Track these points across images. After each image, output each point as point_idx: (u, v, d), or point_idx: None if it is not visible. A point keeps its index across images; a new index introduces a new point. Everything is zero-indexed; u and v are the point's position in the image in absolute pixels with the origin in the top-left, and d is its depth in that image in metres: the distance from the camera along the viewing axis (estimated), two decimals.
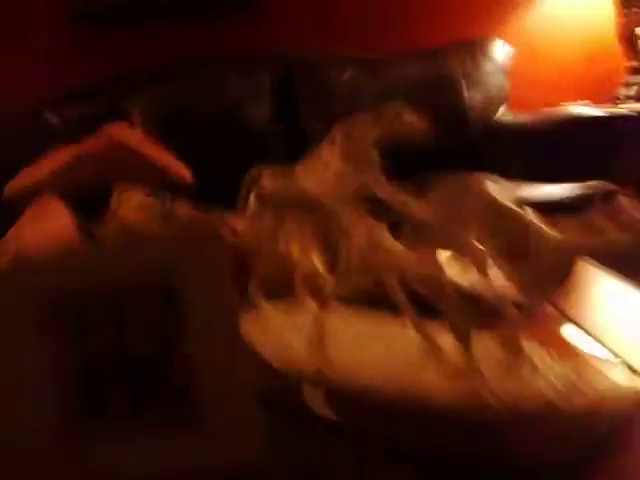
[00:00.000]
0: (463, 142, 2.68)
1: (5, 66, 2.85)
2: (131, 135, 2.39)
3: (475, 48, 2.84)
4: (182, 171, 2.33)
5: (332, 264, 0.78)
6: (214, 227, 0.74)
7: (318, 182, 0.83)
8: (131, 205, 1.23)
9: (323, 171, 0.83)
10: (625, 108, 2.58)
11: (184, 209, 1.26)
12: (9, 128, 2.66)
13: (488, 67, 2.80)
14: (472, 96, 2.73)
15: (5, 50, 2.85)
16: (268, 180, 0.85)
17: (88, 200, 2.19)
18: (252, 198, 0.88)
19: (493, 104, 2.76)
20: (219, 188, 2.57)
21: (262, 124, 2.72)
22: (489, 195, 0.73)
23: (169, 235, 0.74)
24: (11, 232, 1.93)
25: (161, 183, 2.31)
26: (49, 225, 1.94)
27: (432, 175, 0.81)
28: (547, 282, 0.76)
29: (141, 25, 2.90)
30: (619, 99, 2.74)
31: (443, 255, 0.73)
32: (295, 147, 2.72)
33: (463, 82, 2.74)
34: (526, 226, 0.72)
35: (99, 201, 2.20)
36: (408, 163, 1.81)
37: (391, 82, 2.72)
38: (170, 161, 2.33)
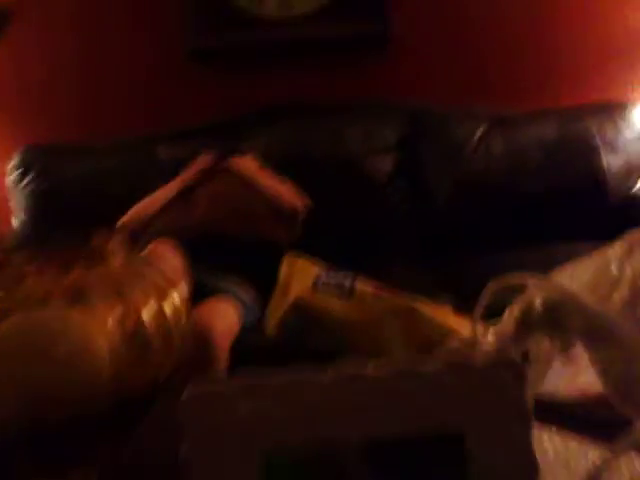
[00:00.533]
0: (601, 210, 2.48)
1: (121, 100, 2.79)
2: (246, 164, 2.29)
3: (614, 112, 2.64)
4: (295, 200, 2.24)
5: None
6: (514, 363, 0.58)
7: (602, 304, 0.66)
8: (306, 282, 1.09)
9: (609, 292, 0.66)
10: None
11: (366, 287, 1.11)
12: (123, 161, 2.58)
13: (628, 133, 2.60)
14: (611, 162, 2.53)
15: (121, 84, 2.79)
16: (538, 291, 0.68)
17: (204, 240, 2.11)
18: (514, 312, 0.71)
19: (633, 173, 2.56)
20: (333, 239, 2.45)
21: (383, 177, 2.57)
22: None
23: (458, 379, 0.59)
24: None
25: (274, 212, 2.20)
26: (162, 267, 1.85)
27: None
28: None
29: (259, 65, 2.80)
30: None
31: None
32: (415, 205, 2.57)
33: (601, 146, 2.55)
34: None
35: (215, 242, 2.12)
36: None
37: (525, 142, 2.55)
38: (283, 190, 2.22)
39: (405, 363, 0.58)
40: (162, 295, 0.52)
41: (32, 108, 2.80)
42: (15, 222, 2.59)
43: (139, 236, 2.17)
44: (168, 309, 0.52)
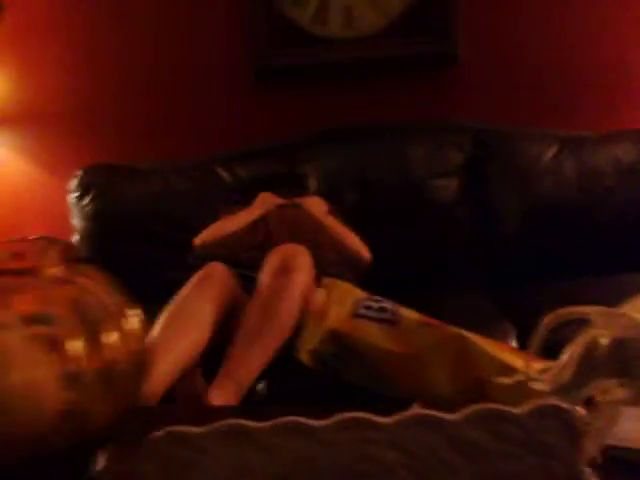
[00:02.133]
0: None
1: (184, 120, 2.77)
2: (318, 206, 2.22)
3: None
4: (362, 251, 2.13)
5: None
6: (564, 410, 0.47)
7: None
8: (344, 308, 0.99)
9: None
10: None
11: (412, 315, 1.01)
12: (184, 182, 2.56)
13: None
14: None
15: (183, 105, 2.78)
16: (604, 326, 0.57)
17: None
18: (576, 350, 0.60)
19: None
20: (393, 264, 2.35)
21: (448, 201, 2.46)
22: None
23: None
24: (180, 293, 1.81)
25: (342, 258, 2.12)
26: (213, 290, 1.80)
27: None
28: None
29: (322, 85, 2.74)
30: None
31: None
32: (481, 229, 2.45)
33: None
34: None
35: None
36: None
37: (599, 163, 2.39)
38: (352, 239, 2.14)
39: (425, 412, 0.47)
40: (117, 321, 0.44)
41: (97, 126, 2.82)
42: (74, 240, 2.60)
43: (199, 259, 2.13)
44: (125, 339, 0.44)
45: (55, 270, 0.45)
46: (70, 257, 0.47)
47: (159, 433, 0.46)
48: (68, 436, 0.41)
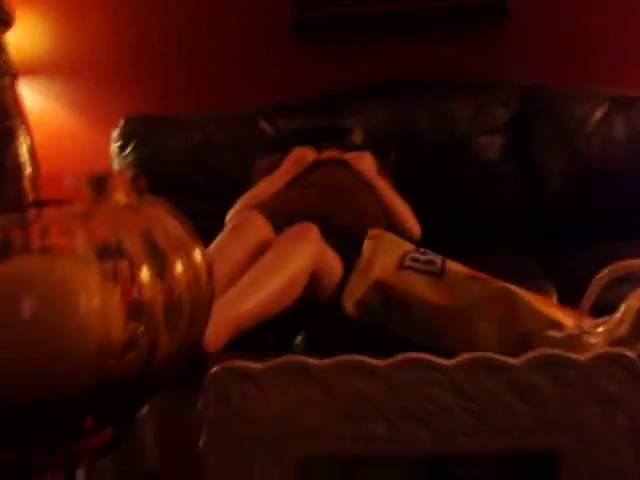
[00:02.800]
0: None
1: (225, 72, 2.76)
2: (366, 164, 2.18)
3: None
4: (413, 226, 2.10)
5: None
6: (628, 358, 0.46)
7: None
8: (391, 259, 0.98)
9: None
10: None
11: (459, 268, 0.99)
12: (225, 134, 2.55)
13: None
14: None
15: (225, 57, 2.75)
16: None
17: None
18: (633, 307, 0.59)
19: None
20: (436, 221, 2.33)
21: (492, 159, 2.41)
22: None
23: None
24: (215, 243, 1.81)
25: (387, 223, 2.08)
26: (250, 235, 1.79)
27: None
28: None
29: (365, 38, 2.70)
30: None
31: None
32: (525, 189, 2.41)
33: None
34: None
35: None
36: None
37: None
38: (404, 210, 2.09)
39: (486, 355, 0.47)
40: (182, 253, 0.43)
41: (139, 77, 2.82)
42: None
43: None
44: (189, 271, 0.43)
45: (125, 199, 0.44)
46: (140, 188, 0.47)
47: (217, 369, 0.46)
48: (133, 367, 0.42)
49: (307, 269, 1.66)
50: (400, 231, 1.97)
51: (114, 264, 0.39)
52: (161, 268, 0.41)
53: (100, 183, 0.44)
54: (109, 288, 0.39)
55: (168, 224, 0.43)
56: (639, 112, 2.37)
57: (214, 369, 0.46)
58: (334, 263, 1.71)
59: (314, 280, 1.66)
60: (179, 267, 0.42)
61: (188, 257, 0.43)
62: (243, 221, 1.81)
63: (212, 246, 1.80)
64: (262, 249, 1.74)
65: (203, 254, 0.45)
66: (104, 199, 0.43)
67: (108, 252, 0.39)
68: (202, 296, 0.43)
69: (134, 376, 0.41)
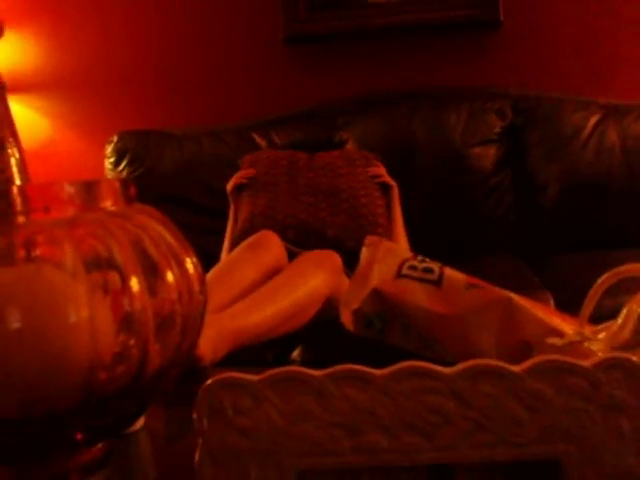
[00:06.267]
0: None
1: (219, 86, 2.76)
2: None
3: None
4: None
5: None
6: (630, 362, 0.45)
7: None
8: (389, 268, 0.97)
9: None
10: None
11: (457, 275, 0.98)
12: (219, 148, 2.55)
13: None
14: None
15: (218, 71, 2.76)
16: None
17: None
18: (634, 312, 0.58)
19: None
20: (431, 231, 2.33)
21: (486, 168, 2.41)
22: None
23: None
24: (226, 258, 1.80)
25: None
26: (265, 255, 1.78)
27: None
28: None
29: (358, 50, 2.70)
30: None
31: None
32: (520, 197, 2.41)
33: None
34: None
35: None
36: None
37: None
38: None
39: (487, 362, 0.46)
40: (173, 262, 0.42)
41: (132, 92, 2.81)
42: None
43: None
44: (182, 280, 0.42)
45: (115, 207, 0.43)
46: (129, 196, 0.46)
47: (211, 381, 0.45)
48: (124, 380, 0.40)
49: (321, 299, 1.64)
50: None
51: (104, 275, 0.38)
52: (152, 278, 0.40)
53: (88, 190, 0.43)
54: (98, 299, 0.38)
55: (158, 233, 0.42)
56: (632, 120, 2.37)
57: (208, 381, 0.45)
58: None
59: (327, 310, 1.63)
60: (170, 277, 0.41)
61: (179, 267, 0.41)
62: (259, 239, 1.81)
63: (223, 262, 1.80)
64: (275, 270, 1.73)
65: (195, 264, 0.43)
66: (92, 206, 0.42)
67: (97, 262, 0.38)
68: (194, 307, 0.42)
69: (125, 389, 0.40)
